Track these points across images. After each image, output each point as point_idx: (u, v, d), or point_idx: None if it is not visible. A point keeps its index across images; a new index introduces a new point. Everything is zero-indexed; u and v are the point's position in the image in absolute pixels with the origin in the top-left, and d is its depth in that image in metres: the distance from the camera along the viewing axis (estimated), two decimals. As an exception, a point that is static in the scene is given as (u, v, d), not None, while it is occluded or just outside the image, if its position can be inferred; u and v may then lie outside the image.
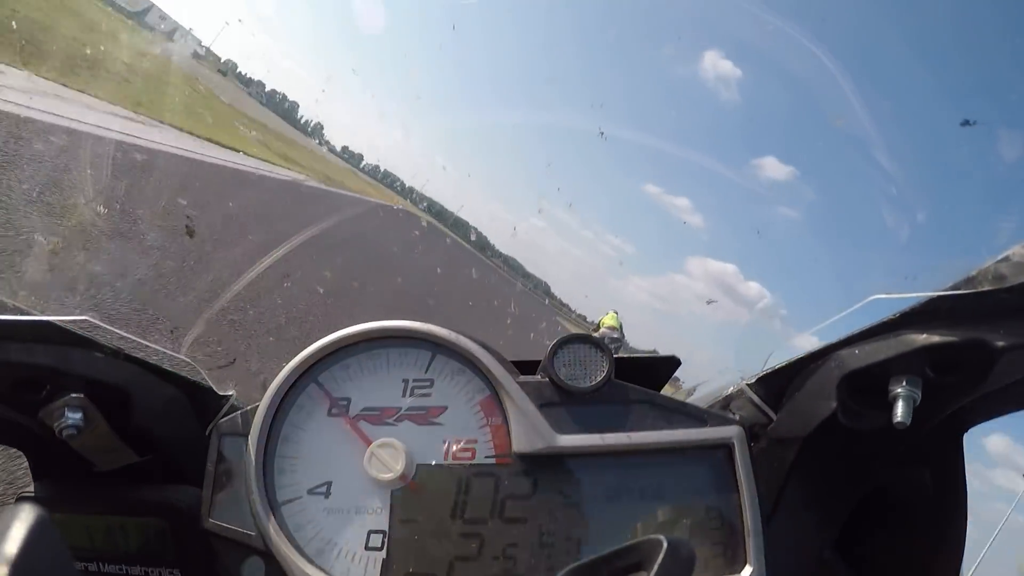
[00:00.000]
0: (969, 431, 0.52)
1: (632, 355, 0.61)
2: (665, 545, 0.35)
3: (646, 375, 0.60)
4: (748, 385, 0.58)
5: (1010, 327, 0.44)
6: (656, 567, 0.34)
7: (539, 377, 0.57)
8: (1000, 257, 0.42)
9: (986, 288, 0.43)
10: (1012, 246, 0.42)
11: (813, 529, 0.57)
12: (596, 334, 11.13)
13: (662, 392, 0.57)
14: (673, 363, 0.63)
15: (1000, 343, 0.44)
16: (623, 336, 11.84)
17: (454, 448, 0.55)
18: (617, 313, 11.78)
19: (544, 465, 0.55)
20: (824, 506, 0.57)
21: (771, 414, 0.57)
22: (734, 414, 0.58)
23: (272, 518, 0.54)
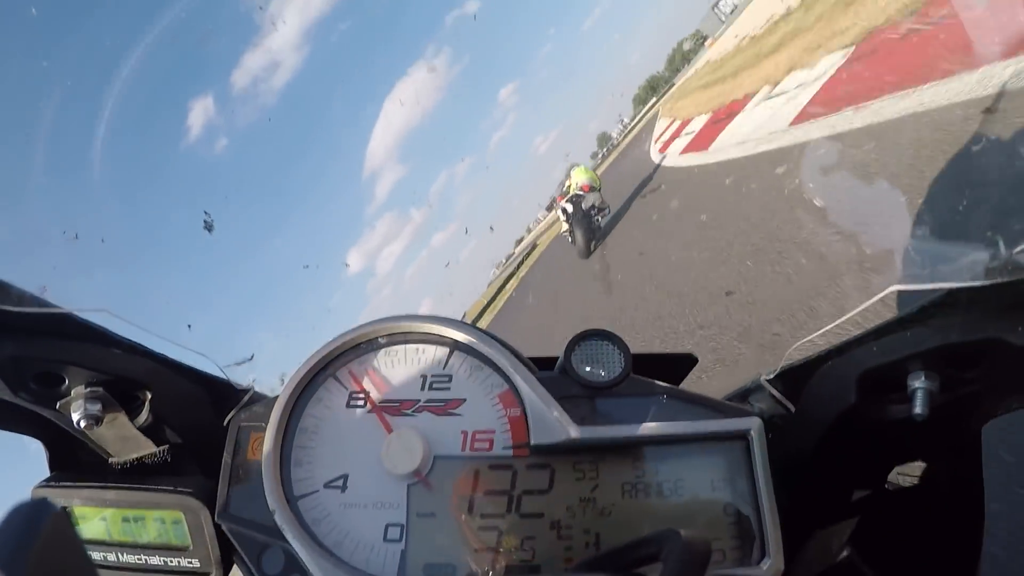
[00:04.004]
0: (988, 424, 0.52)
1: (649, 352, 0.62)
2: (680, 537, 0.35)
3: (663, 372, 0.60)
4: (767, 380, 0.58)
5: None
6: (671, 559, 0.34)
7: (557, 373, 0.57)
8: (1020, 248, 0.42)
9: (1006, 280, 0.43)
10: None
11: (831, 524, 0.57)
12: (572, 195, 8.20)
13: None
14: (690, 360, 0.63)
15: (1017, 340, 0.44)
16: (600, 190, 8.74)
17: (472, 439, 0.56)
18: (589, 170, 8.97)
19: (562, 457, 0.55)
20: (842, 501, 0.57)
21: (790, 407, 0.57)
22: (753, 407, 0.58)
23: (288, 511, 0.54)
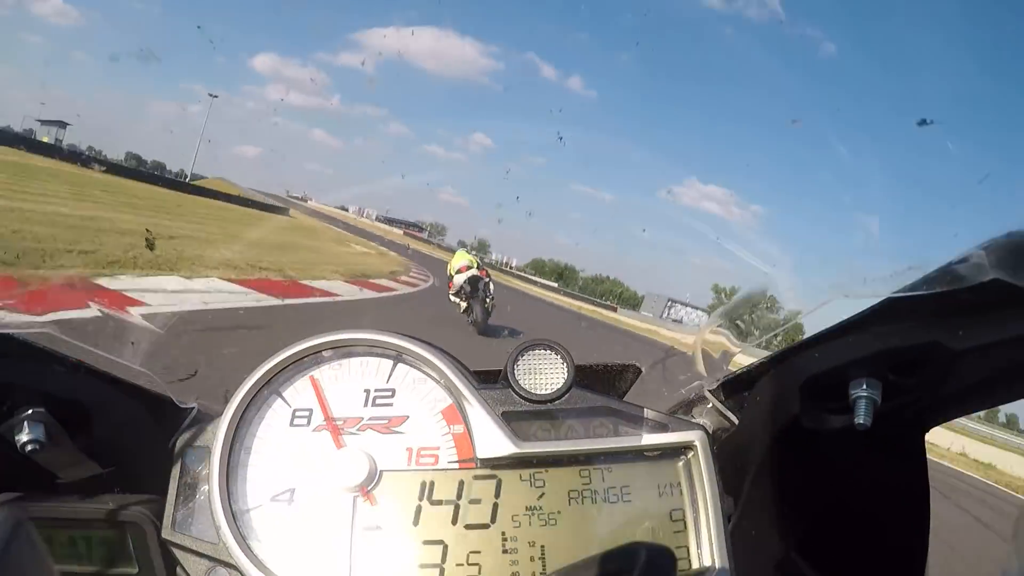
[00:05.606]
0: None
1: (594, 363, 0.61)
2: (644, 553, 0.35)
3: (608, 383, 0.59)
4: (710, 391, 0.58)
5: (968, 329, 0.44)
6: (637, 572, 0.34)
7: (500, 386, 0.57)
8: (958, 258, 0.41)
9: (944, 289, 0.42)
10: (971, 248, 0.41)
11: (777, 531, 0.57)
12: (458, 278, 8.58)
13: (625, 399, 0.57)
14: (634, 371, 0.62)
15: (958, 345, 0.44)
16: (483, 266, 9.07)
17: (417, 455, 0.55)
18: (467, 250, 9.40)
19: (507, 470, 0.54)
20: (788, 508, 0.57)
21: (733, 419, 0.56)
22: (696, 419, 0.58)
23: (235, 528, 0.53)
